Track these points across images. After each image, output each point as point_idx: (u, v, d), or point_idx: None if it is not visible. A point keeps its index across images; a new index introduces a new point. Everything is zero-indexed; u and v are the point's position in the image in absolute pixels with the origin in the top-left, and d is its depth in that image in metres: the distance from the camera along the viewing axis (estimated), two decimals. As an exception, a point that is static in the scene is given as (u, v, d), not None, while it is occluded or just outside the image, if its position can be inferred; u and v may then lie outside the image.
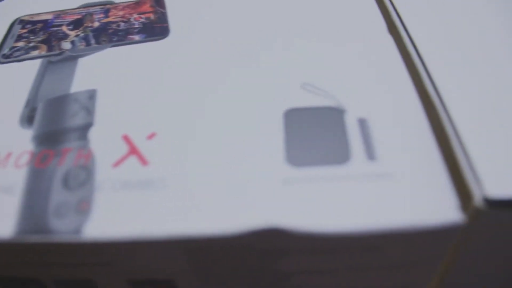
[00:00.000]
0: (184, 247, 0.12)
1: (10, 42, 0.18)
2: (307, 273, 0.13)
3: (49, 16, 0.19)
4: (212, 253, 0.13)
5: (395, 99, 0.15)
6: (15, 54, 0.17)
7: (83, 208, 0.13)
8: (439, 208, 0.12)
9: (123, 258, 0.13)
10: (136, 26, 0.18)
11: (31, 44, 0.18)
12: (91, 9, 0.19)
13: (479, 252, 0.14)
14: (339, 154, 0.13)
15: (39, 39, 0.18)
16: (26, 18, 0.19)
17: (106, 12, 0.19)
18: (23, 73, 0.17)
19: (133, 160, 0.14)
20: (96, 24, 0.18)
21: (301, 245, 0.12)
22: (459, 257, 0.14)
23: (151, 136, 0.14)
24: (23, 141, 0.14)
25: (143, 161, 0.14)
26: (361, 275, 0.13)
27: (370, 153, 0.13)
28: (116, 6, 0.19)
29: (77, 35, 0.18)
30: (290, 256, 0.13)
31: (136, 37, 0.18)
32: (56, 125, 0.15)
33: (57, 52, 0.17)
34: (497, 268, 0.14)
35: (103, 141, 0.14)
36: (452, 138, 0.14)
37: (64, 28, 0.18)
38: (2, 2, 0.20)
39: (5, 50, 0.17)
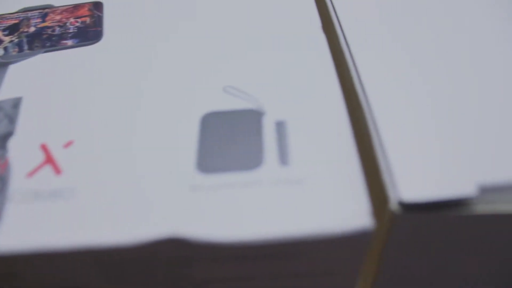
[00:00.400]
0: (93, 258, 0.12)
1: None
2: (223, 281, 0.13)
3: (-13, 22, 0.19)
4: (122, 262, 0.12)
5: (319, 100, 0.14)
6: None
7: (-7, 219, 0.13)
8: (350, 214, 0.12)
9: (32, 269, 0.13)
10: (71, 30, 0.18)
11: (-35, 51, 0.17)
12: (30, 14, 0.19)
13: (403, 255, 0.14)
14: (251, 159, 0.13)
15: (-28, 46, 0.18)
16: (-36, 24, 0.19)
17: (44, 17, 0.19)
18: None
19: (47, 169, 0.13)
20: (32, 29, 0.18)
21: (206, 254, 0.12)
22: (385, 262, 0.14)
23: (67, 145, 0.14)
24: None
25: (57, 170, 0.13)
26: (280, 283, 0.13)
27: (283, 158, 0.13)
28: (54, 10, 0.19)
29: (11, 41, 0.18)
30: (199, 264, 0.12)
31: (69, 42, 0.17)
32: (-23, 134, 0.15)
33: (-12, 59, 0.17)
34: (424, 271, 0.14)
35: (22, 150, 0.14)
36: (374, 142, 0.14)
37: (0, 34, 0.18)
38: None
39: None
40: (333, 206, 0.12)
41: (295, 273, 0.13)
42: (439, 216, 0.13)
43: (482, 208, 0.13)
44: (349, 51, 0.16)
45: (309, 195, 0.12)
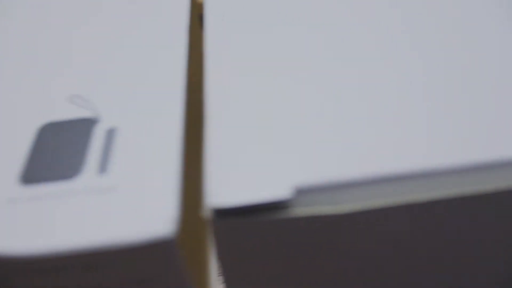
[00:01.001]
0: None
1: None
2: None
3: None
4: None
5: (159, 107, 0.14)
6: None
7: None
8: (154, 222, 0.12)
9: None
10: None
11: None
12: None
13: (235, 262, 0.14)
14: (71, 168, 0.13)
15: None
16: None
17: None
18: None
19: None
20: None
21: (18, 268, 0.12)
22: (222, 268, 0.14)
23: None
24: None
25: None
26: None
27: (103, 166, 0.13)
28: None
29: None
30: (16, 278, 0.12)
31: None
32: None
33: None
34: (262, 277, 0.14)
35: None
36: (204, 148, 0.14)
37: None
38: None
39: None
40: (140, 214, 0.12)
41: (115, 283, 0.13)
42: (255, 220, 0.12)
43: (299, 210, 0.12)
44: (206, 54, 0.16)
45: (117, 203, 0.12)
